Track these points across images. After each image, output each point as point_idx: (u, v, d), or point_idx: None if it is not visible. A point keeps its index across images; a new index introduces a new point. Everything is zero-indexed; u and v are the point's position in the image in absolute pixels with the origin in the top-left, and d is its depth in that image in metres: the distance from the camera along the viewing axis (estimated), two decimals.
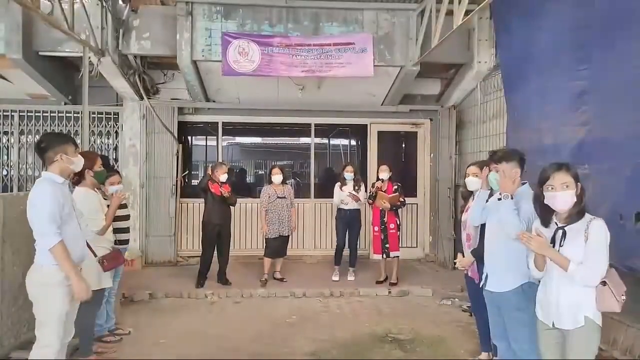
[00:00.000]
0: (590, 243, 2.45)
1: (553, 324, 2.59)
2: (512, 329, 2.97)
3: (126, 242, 4.44)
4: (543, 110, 4.67)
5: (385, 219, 6.17)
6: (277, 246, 6.29)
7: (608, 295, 2.43)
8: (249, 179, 9.32)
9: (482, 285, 3.18)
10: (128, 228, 4.50)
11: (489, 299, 3.16)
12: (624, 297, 2.47)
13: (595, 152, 3.94)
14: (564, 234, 2.54)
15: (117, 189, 4.10)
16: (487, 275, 3.13)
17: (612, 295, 2.42)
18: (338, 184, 6.51)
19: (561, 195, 2.52)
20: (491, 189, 3.22)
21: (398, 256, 6.25)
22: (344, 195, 6.37)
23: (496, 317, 3.15)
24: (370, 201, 6.36)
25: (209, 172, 6.05)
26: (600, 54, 3.92)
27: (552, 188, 2.54)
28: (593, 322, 2.49)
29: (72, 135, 7.24)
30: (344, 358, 4.11)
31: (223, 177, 6.00)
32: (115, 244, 4.13)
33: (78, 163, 3.06)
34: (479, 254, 3.51)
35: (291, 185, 7.33)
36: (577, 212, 2.52)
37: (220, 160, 7.11)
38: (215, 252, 6.17)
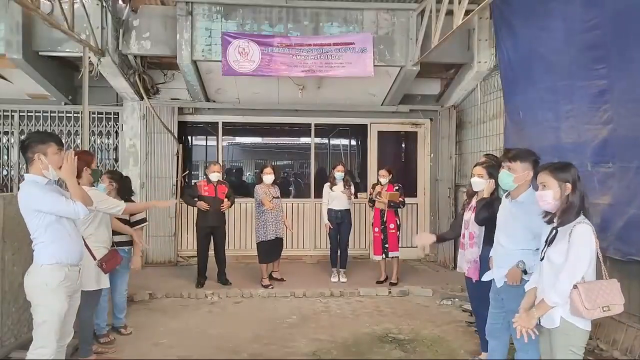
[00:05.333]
0: (569, 250, 2.44)
1: (540, 322, 2.60)
2: (512, 327, 2.98)
3: (130, 243, 4.47)
4: (560, 109, 4.61)
5: (385, 219, 6.17)
6: (271, 249, 6.13)
7: (576, 300, 2.39)
8: (249, 179, 9.32)
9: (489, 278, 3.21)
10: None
11: (493, 294, 3.18)
12: (606, 309, 2.39)
13: (621, 150, 3.90)
14: (556, 234, 2.55)
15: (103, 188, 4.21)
16: (493, 271, 3.17)
17: (580, 301, 2.37)
18: (327, 184, 6.45)
19: (538, 194, 2.60)
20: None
21: (397, 256, 6.24)
22: (334, 195, 6.32)
23: (496, 315, 3.16)
24: (370, 204, 6.36)
25: (200, 182, 6.09)
26: (618, 52, 3.89)
27: (538, 187, 2.64)
28: (570, 324, 2.48)
29: (72, 135, 7.29)
30: (344, 358, 4.11)
31: (213, 176, 5.99)
32: (119, 245, 4.19)
33: (54, 167, 2.88)
34: (444, 238, 3.94)
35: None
36: (564, 213, 2.51)
37: (215, 161, 7.10)
38: (213, 254, 6.17)
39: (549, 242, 2.57)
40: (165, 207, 4.07)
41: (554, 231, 2.56)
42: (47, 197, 2.82)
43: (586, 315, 2.39)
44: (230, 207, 6.22)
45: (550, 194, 2.53)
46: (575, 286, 2.41)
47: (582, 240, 2.42)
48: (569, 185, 2.50)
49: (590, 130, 4.21)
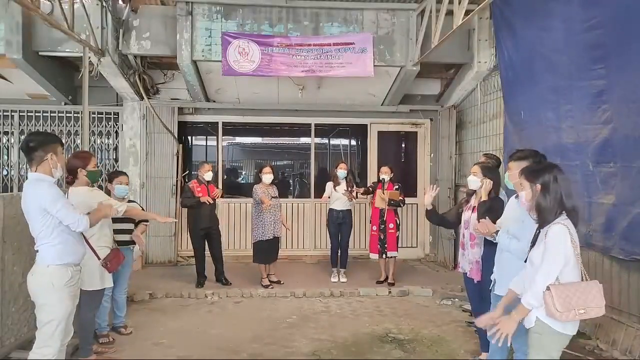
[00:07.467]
0: (544, 251, 2.46)
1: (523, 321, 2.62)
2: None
3: (132, 242, 4.48)
4: (560, 109, 4.61)
5: (385, 218, 6.16)
6: (269, 249, 6.08)
7: (548, 302, 2.39)
8: (248, 179, 9.31)
9: (491, 289, 3.23)
10: (132, 230, 4.53)
11: (496, 301, 3.17)
12: (582, 312, 2.38)
13: (623, 150, 3.90)
14: (538, 235, 2.58)
15: (124, 190, 4.26)
16: (495, 280, 3.18)
17: (552, 303, 2.37)
18: (330, 182, 6.45)
19: (520, 195, 2.71)
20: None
21: (395, 256, 6.22)
22: (336, 195, 6.30)
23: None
24: (364, 195, 6.38)
25: (191, 184, 6.06)
26: (617, 53, 3.89)
27: None
28: (544, 325, 2.48)
29: (72, 135, 7.29)
30: (344, 358, 4.11)
31: (207, 176, 6.02)
32: (121, 244, 4.19)
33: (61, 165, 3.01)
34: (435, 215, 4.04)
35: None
36: (538, 215, 2.53)
37: (205, 161, 7.12)
38: (210, 255, 6.18)
39: (532, 243, 2.59)
40: (165, 222, 4.15)
41: (538, 232, 2.58)
42: (60, 200, 2.86)
43: (559, 318, 2.37)
44: (219, 196, 6.34)
45: (523, 196, 2.63)
46: (547, 288, 2.40)
47: (554, 240, 2.43)
48: (538, 187, 2.54)
49: (590, 130, 4.21)
